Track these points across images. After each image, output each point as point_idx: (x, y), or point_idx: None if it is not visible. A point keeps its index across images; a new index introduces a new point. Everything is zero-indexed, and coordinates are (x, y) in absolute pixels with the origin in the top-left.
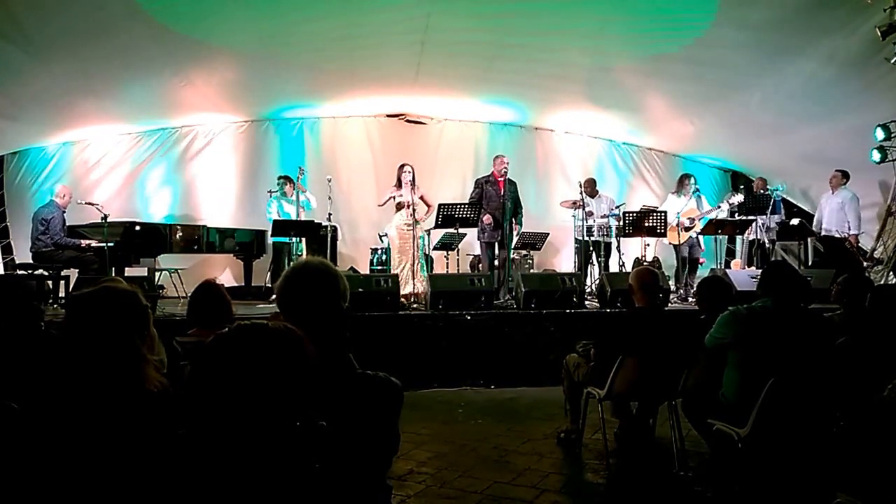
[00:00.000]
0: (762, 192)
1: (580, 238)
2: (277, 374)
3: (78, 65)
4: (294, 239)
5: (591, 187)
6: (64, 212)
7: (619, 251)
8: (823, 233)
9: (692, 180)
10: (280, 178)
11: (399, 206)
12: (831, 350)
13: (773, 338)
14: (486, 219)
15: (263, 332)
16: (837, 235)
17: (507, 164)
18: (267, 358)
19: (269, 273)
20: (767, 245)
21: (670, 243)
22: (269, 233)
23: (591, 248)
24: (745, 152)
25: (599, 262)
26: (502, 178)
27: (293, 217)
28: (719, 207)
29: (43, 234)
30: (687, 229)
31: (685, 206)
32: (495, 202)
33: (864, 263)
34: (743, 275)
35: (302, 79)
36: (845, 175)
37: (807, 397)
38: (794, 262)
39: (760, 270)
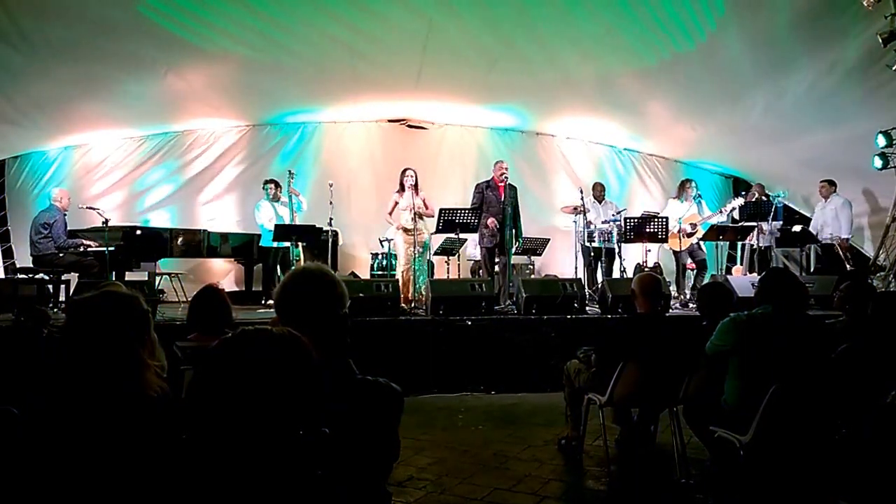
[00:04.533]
0: (763, 198)
1: (585, 244)
2: (282, 380)
3: (79, 69)
4: (290, 243)
5: (599, 192)
6: (65, 215)
7: (620, 257)
8: (825, 241)
9: (693, 185)
10: (267, 181)
11: (401, 225)
12: (833, 357)
13: (773, 345)
14: (491, 221)
15: (267, 337)
16: (832, 240)
17: (507, 169)
18: (271, 363)
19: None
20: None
21: (671, 249)
22: (262, 238)
23: (592, 254)
24: (746, 159)
25: (601, 268)
26: (502, 184)
27: (286, 220)
28: (721, 212)
29: (45, 237)
30: (689, 235)
31: (686, 212)
32: (495, 207)
33: (848, 267)
34: (744, 281)
35: (303, 84)
36: (832, 183)
37: (808, 404)
38: (796, 268)
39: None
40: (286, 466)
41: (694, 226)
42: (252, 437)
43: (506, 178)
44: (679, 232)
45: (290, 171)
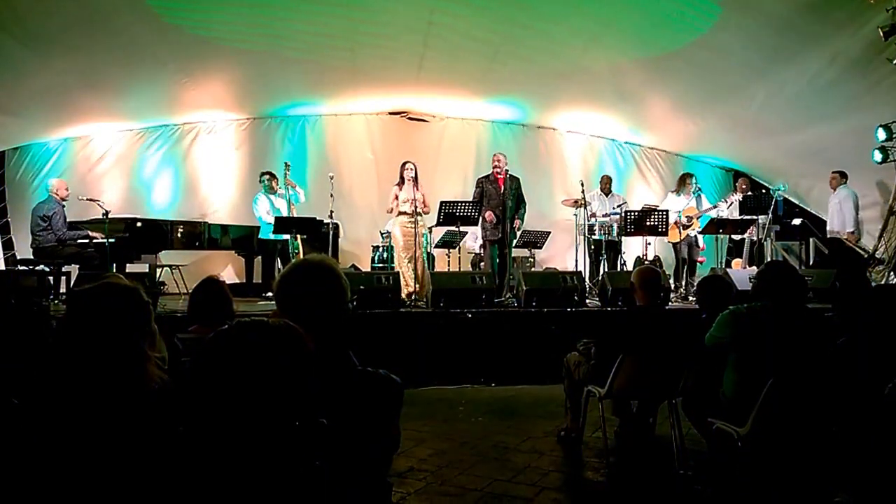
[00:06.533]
0: (749, 193)
1: (590, 236)
2: (277, 371)
3: (80, 60)
4: (289, 236)
5: (606, 184)
6: (63, 206)
7: (619, 250)
8: (828, 234)
9: (693, 180)
10: (263, 174)
11: (402, 213)
12: (831, 350)
13: (772, 337)
14: (489, 215)
15: (263, 328)
16: (838, 236)
17: (501, 161)
18: (267, 354)
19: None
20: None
21: (669, 241)
22: (260, 230)
23: (593, 247)
24: (747, 152)
25: (600, 261)
26: (502, 176)
27: (284, 212)
28: (717, 207)
29: (44, 230)
30: (686, 227)
31: (685, 206)
32: (495, 200)
33: (865, 255)
34: (743, 274)
35: (304, 76)
36: (843, 175)
37: (806, 397)
38: (795, 262)
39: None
40: (281, 456)
41: (690, 218)
42: (247, 428)
43: (501, 170)
44: (676, 224)
45: (286, 164)
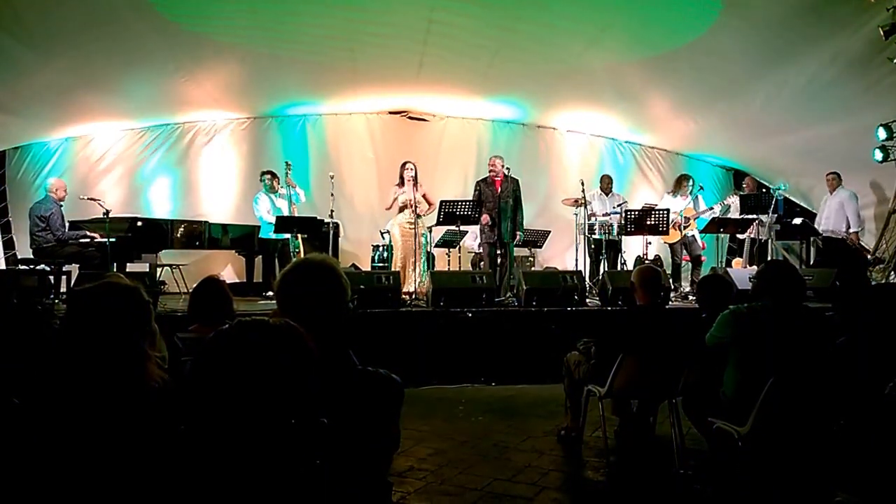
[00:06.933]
0: (755, 192)
1: (590, 236)
2: (278, 370)
3: (80, 60)
4: (290, 235)
5: (606, 184)
6: (61, 206)
7: (620, 249)
8: (825, 233)
9: (691, 182)
10: (264, 173)
11: (402, 208)
12: (831, 349)
13: (773, 337)
14: (484, 218)
15: (264, 327)
16: (836, 235)
17: (497, 164)
18: (267, 353)
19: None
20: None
21: (665, 243)
22: (261, 230)
23: (594, 246)
24: (747, 151)
25: (601, 261)
26: (499, 179)
27: (284, 212)
28: (713, 210)
29: (43, 230)
30: (685, 228)
31: (682, 208)
32: (491, 203)
33: (870, 257)
34: (743, 274)
35: (305, 76)
36: (839, 176)
37: (807, 396)
38: (796, 261)
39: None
40: (282, 455)
41: (687, 220)
42: (248, 427)
43: (497, 173)
44: (674, 225)
45: (286, 163)
